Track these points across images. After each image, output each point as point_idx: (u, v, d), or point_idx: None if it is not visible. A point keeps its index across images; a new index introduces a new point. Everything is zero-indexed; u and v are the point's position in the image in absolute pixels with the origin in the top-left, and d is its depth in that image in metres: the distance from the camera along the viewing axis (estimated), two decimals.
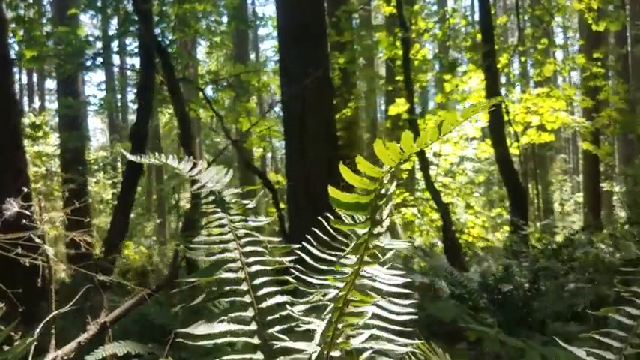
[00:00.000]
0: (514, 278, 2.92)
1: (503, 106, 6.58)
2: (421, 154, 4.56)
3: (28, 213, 1.33)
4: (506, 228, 8.31)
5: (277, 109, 9.59)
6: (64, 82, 8.10)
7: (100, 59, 7.11)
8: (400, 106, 8.64)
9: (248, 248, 1.26)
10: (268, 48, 28.10)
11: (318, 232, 1.28)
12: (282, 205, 7.41)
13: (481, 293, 2.83)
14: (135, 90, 9.14)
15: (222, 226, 1.27)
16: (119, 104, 12.76)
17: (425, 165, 4.48)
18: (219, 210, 1.30)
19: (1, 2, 2.69)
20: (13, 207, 1.35)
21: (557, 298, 2.46)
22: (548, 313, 2.40)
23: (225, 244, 1.25)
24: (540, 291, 2.65)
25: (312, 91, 6.61)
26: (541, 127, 9.07)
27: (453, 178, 11.57)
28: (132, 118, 22.58)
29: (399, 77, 7.95)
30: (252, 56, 18.46)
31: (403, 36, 4.73)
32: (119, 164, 17.19)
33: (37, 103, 18.10)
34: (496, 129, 5.98)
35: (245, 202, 1.34)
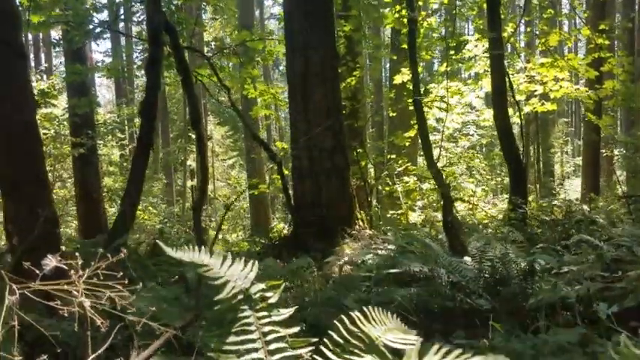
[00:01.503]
0: (510, 266, 3.14)
1: (507, 78, 6.63)
2: (423, 135, 4.69)
3: (64, 267, 1.48)
4: (507, 195, 8.43)
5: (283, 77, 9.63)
6: (71, 48, 8.17)
7: (106, 28, 7.14)
8: (405, 75, 8.71)
9: (273, 346, 1.30)
10: (275, 14, 27.73)
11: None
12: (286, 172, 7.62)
13: (478, 281, 3.07)
14: (140, 56, 9.18)
15: (248, 324, 1.31)
16: (125, 70, 12.78)
17: (427, 145, 4.61)
18: (246, 308, 1.32)
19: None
20: (51, 262, 1.48)
21: (552, 289, 2.64)
22: (542, 304, 2.56)
23: (253, 344, 1.29)
24: (535, 280, 2.87)
25: (317, 62, 6.72)
26: (544, 97, 9.16)
27: (455, 143, 11.71)
28: (137, 82, 22.60)
29: (404, 45, 7.99)
30: (258, 25, 18.28)
31: (409, 17, 4.77)
32: (126, 127, 17.37)
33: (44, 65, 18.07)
34: (499, 103, 6.08)
35: (268, 294, 1.37)
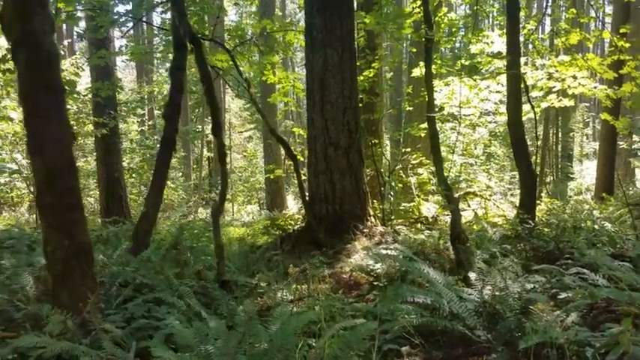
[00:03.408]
0: (507, 300, 3.33)
1: (523, 83, 6.65)
2: (435, 149, 4.81)
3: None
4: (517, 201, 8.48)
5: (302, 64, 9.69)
6: (97, 37, 8.35)
7: (131, 17, 7.29)
8: (423, 68, 8.74)
9: None
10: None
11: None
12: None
13: (477, 314, 3.27)
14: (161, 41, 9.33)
15: None
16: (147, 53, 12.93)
17: (439, 161, 4.73)
18: None
19: (52, 39, 2.97)
20: None
21: (542, 333, 2.80)
22: (533, 344, 2.74)
23: None
24: (531, 315, 3.06)
25: (335, 61, 6.83)
26: (562, 92, 9.15)
27: (472, 129, 11.75)
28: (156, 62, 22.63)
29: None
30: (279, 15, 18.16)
31: (426, 36, 4.82)
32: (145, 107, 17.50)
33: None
34: (513, 109, 6.12)
35: None
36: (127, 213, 11.42)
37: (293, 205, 18.34)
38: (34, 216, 13.01)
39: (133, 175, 13.55)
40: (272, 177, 12.55)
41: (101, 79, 9.51)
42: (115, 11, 7.54)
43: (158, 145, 14.89)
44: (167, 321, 3.22)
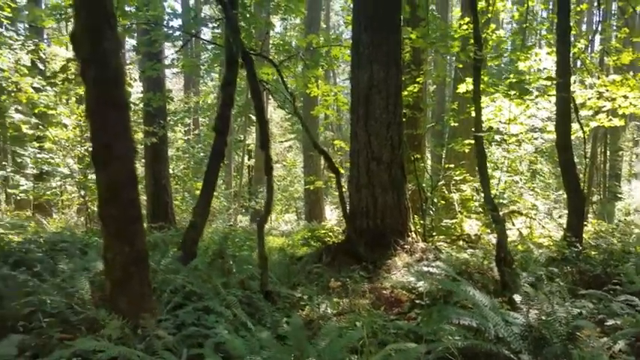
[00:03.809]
0: (554, 326, 3.28)
1: (573, 104, 6.54)
2: (482, 167, 4.79)
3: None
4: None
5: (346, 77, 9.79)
6: (151, 50, 8.69)
7: (184, 32, 7.57)
8: (469, 84, 8.68)
9: None
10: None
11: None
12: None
13: (523, 338, 3.24)
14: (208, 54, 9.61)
15: None
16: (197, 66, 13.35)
17: (486, 181, 4.70)
18: None
19: (119, 57, 3.15)
20: None
21: (594, 354, 2.76)
22: None
23: None
24: (578, 342, 3.01)
25: (381, 77, 6.88)
26: (612, 112, 8.91)
27: (518, 146, 11.54)
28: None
29: (471, 53, 7.95)
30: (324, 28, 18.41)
31: (476, 55, 4.82)
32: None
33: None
34: (562, 130, 6.03)
35: None
36: (172, 219, 11.74)
37: (330, 216, 18.43)
38: (83, 219, 13.54)
39: (179, 182, 13.94)
40: (312, 188, 12.66)
41: (153, 90, 9.87)
42: (169, 26, 7.82)
43: (202, 154, 15.31)
44: (216, 330, 3.34)
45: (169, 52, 15.85)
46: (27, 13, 12.86)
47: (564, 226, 6.64)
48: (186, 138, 16.55)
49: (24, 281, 4.38)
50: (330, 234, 8.61)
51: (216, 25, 8.17)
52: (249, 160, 24.85)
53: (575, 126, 7.73)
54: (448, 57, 9.81)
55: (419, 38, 8.07)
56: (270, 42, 11.75)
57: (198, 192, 15.76)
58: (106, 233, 3.21)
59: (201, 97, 17.61)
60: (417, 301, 4.90)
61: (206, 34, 12.92)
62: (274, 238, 11.19)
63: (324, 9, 19.25)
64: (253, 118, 23.03)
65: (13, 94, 11.52)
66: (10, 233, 7.52)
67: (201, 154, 16.98)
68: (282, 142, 29.16)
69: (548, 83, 8.74)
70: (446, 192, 9.07)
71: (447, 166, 9.19)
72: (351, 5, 7.80)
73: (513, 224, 8.62)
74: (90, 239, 7.75)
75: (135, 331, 3.10)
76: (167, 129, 11.44)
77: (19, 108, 12.52)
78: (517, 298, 4.23)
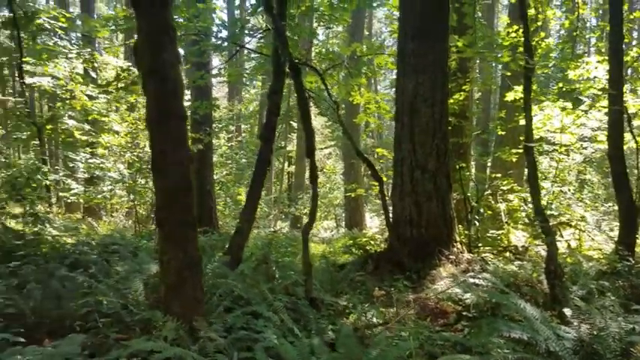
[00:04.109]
0: (607, 342, 3.19)
1: (626, 114, 6.32)
2: (532, 178, 4.69)
3: None
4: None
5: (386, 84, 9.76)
6: (201, 61, 8.96)
7: (233, 43, 7.76)
8: (517, 93, 8.52)
9: None
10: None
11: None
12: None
13: (574, 352, 3.16)
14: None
15: None
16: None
17: (536, 191, 4.60)
18: None
19: (178, 69, 3.27)
20: None
21: None
22: None
23: None
24: (632, 358, 2.91)
25: (427, 86, 6.85)
26: None
27: (566, 155, 11.21)
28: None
29: (521, 62, 7.79)
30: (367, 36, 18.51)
31: (527, 65, 4.74)
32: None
33: None
34: (614, 141, 5.83)
35: None
36: (216, 224, 11.98)
37: (370, 223, 18.36)
38: (130, 222, 13.99)
39: (222, 188, 14.22)
40: (353, 195, 12.67)
41: (200, 98, 10.14)
42: (218, 37, 8.04)
43: (244, 160, 15.53)
44: (265, 334, 3.40)
45: (216, 61, 16.30)
46: (80, 23, 13.44)
47: (615, 238, 6.41)
48: (229, 145, 16.89)
49: (81, 282, 4.58)
50: (372, 242, 8.59)
51: (262, 36, 8.33)
52: (289, 166, 25.08)
53: (627, 136, 7.47)
54: (494, 64, 9.67)
55: (466, 46, 8.00)
56: (314, 50, 11.86)
57: (239, 197, 16.12)
58: (162, 237, 3.33)
59: (244, 104, 17.96)
60: (464, 313, 4.83)
61: (250, 43, 13.20)
62: (315, 245, 11.24)
63: (366, 16, 19.31)
64: (294, 125, 23.32)
65: (67, 102, 12.07)
66: (64, 235, 7.85)
67: (243, 160, 17.28)
68: (322, 149, 29.29)
69: (599, 92, 8.49)
70: (492, 202, 8.90)
71: (493, 175, 9.02)
72: (396, 14, 7.82)
73: (562, 236, 8.37)
74: (139, 242, 8.01)
75: (189, 333, 3.19)
76: (213, 136, 11.70)
77: (73, 115, 13.10)
78: (567, 312, 4.13)
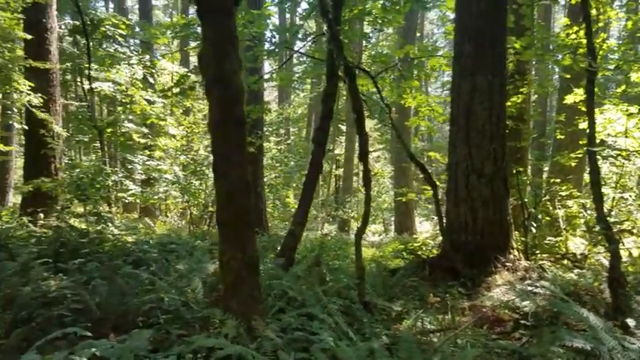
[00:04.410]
0: None
1: None
2: (595, 184, 4.50)
3: None
4: None
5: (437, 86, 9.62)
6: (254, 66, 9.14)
7: (286, 47, 7.87)
8: (577, 95, 8.21)
9: None
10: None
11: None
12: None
13: None
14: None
15: None
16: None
17: (599, 197, 4.42)
18: None
19: (240, 76, 3.36)
20: None
21: None
22: None
23: None
24: None
25: (484, 88, 6.72)
26: None
27: (628, 160, 10.71)
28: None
29: (582, 64, 7.49)
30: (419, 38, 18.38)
31: (590, 68, 4.56)
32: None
33: None
34: None
35: None
36: (265, 225, 12.15)
37: (420, 228, 18.12)
38: (184, 222, 14.41)
39: (271, 191, 14.43)
40: (404, 200, 12.55)
41: (253, 103, 10.32)
42: (272, 42, 8.18)
43: (292, 163, 15.70)
44: (321, 336, 3.43)
45: (266, 65, 16.63)
46: (139, 30, 14.01)
47: None
48: (278, 148, 17.14)
49: (143, 279, 4.77)
50: (424, 247, 8.48)
51: (314, 40, 8.41)
52: (336, 169, 25.14)
53: None
54: (551, 66, 9.36)
55: (524, 48, 7.78)
56: (365, 53, 11.85)
57: (288, 200, 16.28)
58: (222, 238, 3.42)
59: (293, 108, 18.20)
60: (522, 322, 4.70)
61: (301, 48, 13.37)
62: (364, 249, 11.18)
63: (418, 18, 19.14)
64: (342, 128, 23.37)
65: (128, 106, 12.61)
66: (125, 234, 8.18)
67: (291, 163, 17.48)
68: (370, 152, 29.16)
69: None
70: (550, 208, 8.61)
71: (552, 180, 8.72)
72: (450, 14, 7.71)
73: (623, 244, 8.00)
74: (194, 242, 8.25)
75: (248, 331, 3.26)
76: (263, 139, 11.89)
77: (132, 118, 13.66)
78: (631, 322, 3.96)
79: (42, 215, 8.82)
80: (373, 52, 9.65)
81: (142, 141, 13.12)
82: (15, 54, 8.52)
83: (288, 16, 22.95)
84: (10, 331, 3.58)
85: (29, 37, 8.71)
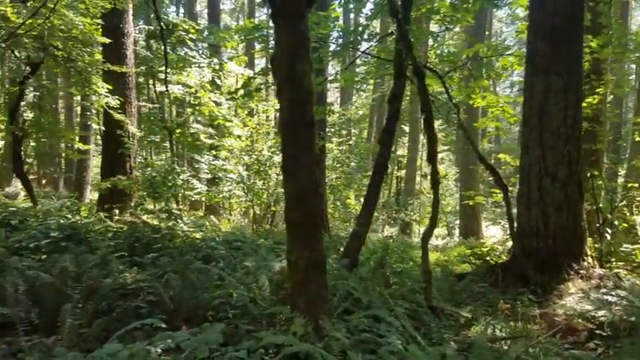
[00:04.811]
0: None
1: None
2: None
3: None
4: None
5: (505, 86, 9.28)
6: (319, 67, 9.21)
7: (352, 48, 7.88)
8: None
9: None
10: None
11: None
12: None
13: None
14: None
15: None
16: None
17: None
18: None
19: (310, 78, 3.40)
20: None
21: None
22: None
23: None
24: None
25: (559, 88, 6.44)
26: None
27: None
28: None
29: None
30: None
31: None
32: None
33: None
34: None
35: None
36: (327, 226, 12.21)
37: (485, 232, 17.55)
38: (246, 220, 14.75)
39: (332, 192, 14.50)
40: (471, 204, 12.21)
41: (316, 104, 10.40)
42: (338, 43, 8.21)
43: (353, 163, 15.67)
44: (389, 339, 3.41)
45: (330, 67, 16.69)
46: (208, 34, 14.46)
47: None
48: (340, 149, 17.21)
49: (212, 275, 4.92)
50: (492, 253, 8.22)
51: (380, 40, 8.37)
52: (398, 170, 24.86)
53: None
54: (627, 65, 8.81)
55: (601, 47, 7.39)
56: (431, 52, 11.62)
57: (349, 201, 16.25)
58: (291, 238, 3.47)
59: (356, 109, 18.20)
60: (597, 332, 4.47)
61: (366, 48, 13.33)
62: (429, 253, 11.00)
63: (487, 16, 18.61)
64: (405, 129, 23.08)
65: (197, 108, 13.07)
66: (193, 231, 8.48)
67: (353, 164, 17.46)
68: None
69: None
70: (627, 213, 8.12)
71: (629, 184, 8.21)
72: (520, 12, 7.43)
73: None
74: (258, 240, 8.43)
75: (315, 330, 3.29)
76: (326, 140, 11.95)
77: (200, 119, 14.14)
78: None
79: (117, 211, 9.31)
80: (439, 52, 9.41)
81: (209, 141, 13.55)
82: (94, 58, 9.00)
83: (352, 16, 22.96)
84: (91, 321, 3.78)
85: (108, 41, 9.14)
